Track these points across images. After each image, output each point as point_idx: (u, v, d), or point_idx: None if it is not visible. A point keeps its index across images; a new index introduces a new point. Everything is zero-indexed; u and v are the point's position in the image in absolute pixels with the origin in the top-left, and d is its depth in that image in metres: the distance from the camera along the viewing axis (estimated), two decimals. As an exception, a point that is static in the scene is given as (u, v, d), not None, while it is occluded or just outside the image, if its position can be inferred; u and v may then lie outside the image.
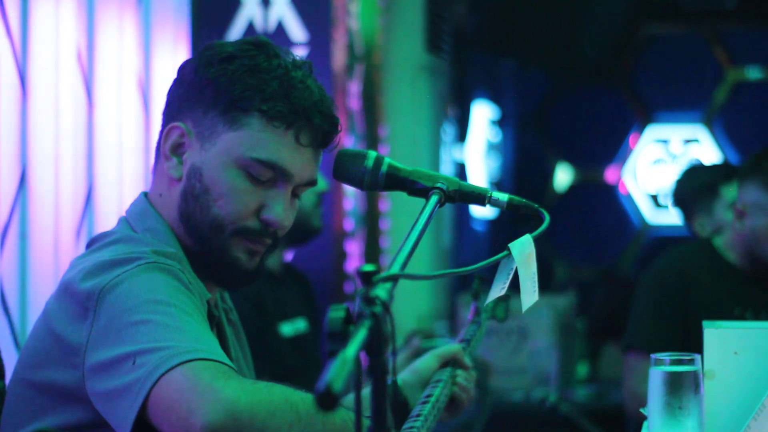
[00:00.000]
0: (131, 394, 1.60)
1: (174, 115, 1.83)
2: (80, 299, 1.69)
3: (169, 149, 1.83)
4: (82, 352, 1.67)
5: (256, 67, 1.78)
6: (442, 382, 1.93)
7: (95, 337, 1.66)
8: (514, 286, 1.76)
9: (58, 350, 1.71)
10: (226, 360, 1.64)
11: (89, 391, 1.67)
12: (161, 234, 1.82)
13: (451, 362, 2.01)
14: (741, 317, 3.12)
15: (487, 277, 2.22)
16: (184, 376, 1.57)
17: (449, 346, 2.03)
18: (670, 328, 3.16)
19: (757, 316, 3.14)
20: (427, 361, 2.00)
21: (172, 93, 1.86)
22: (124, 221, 1.87)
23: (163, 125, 1.86)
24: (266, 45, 1.82)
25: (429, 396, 1.86)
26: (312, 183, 1.84)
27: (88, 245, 1.86)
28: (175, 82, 1.86)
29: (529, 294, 1.75)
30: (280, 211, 1.80)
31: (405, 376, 1.96)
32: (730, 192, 3.90)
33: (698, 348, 1.86)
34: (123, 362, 1.62)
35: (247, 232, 1.80)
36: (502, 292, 1.74)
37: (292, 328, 3.23)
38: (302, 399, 1.60)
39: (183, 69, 1.85)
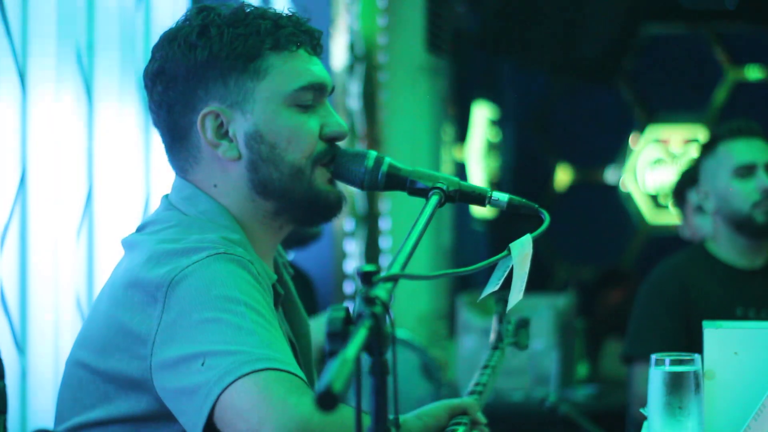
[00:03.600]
0: (200, 397, 1.58)
1: (192, 108, 1.80)
2: (148, 289, 1.67)
3: (214, 135, 1.80)
4: (150, 344, 1.65)
5: (228, 21, 1.80)
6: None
7: (164, 330, 1.64)
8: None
9: (123, 339, 1.69)
10: (299, 371, 1.61)
11: (157, 385, 1.66)
12: (217, 215, 1.80)
13: (460, 415, 1.85)
14: (744, 318, 3.12)
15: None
16: (257, 386, 1.55)
17: (461, 400, 1.88)
18: (674, 335, 3.14)
19: (759, 315, 3.14)
20: (435, 410, 1.85)
21: (166, 95, 1.82)
22: (171, 206, 1.83)
23: (173, 126, 1.83)
24: (206, 6, 1.84)
25: None
26: (333, 88, 1.89)
27: (139, 229, 1.84)
28: (164, 87, 1.81)
29: (516, 293, 1.76)
30: (338, 120, 1.84)
31: (409, 418, 1.83)
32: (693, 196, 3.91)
33: (699, 349, 1.86)
34: (192, 361, 1.60)
35: (322, 157, 1.81)
36: (496, 288, 1.74)
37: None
38: None
39: (161, 71, 1.82)
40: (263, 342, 1.60)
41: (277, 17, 1.82)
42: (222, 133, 1.80)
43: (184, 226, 1.78)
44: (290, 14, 1.84)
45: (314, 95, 1.82)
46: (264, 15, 1.81)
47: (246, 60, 1.78)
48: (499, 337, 2.23)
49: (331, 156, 1.82)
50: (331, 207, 1.84)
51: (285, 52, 1.80)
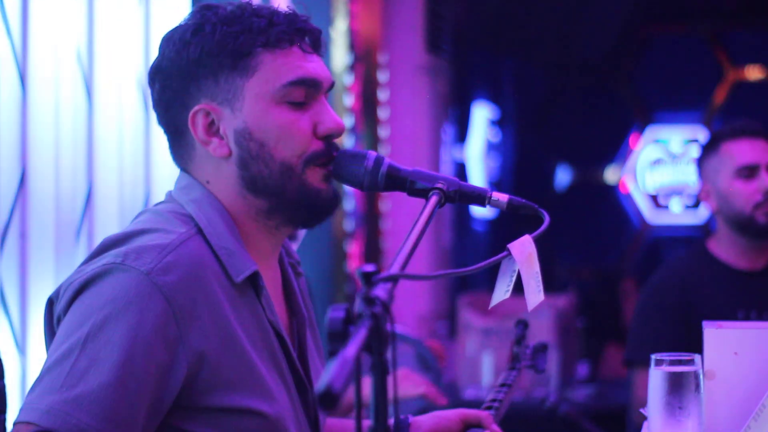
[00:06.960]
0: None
1: (185, 105, 1.81)
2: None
3: (204, 133, 1.80)
4: None
5: (223, 19, 1.78)
6: None
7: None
8: (518, 287, 1.76)
9: None
10: (73, 419, 1.59)
11: None
12: (205, 204, 1.79)
13: (475, 425, 1.92)
14: (745, 320, 3.11)
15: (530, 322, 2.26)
16: None
17: (477, 412, 1.93)
18: (675, 340, 3.14)
19: (760, 317, 3.14)
20: (448, 413, 1.92)
21: (163, 93, 1.83)
22: (170, 196, 1.85)
23: (171, 124, 1.84)
24: (207, 5, 1.83)
25: None
26: (333, 84, 1.87)
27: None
28: (161, 85, 1.83)
29: (534, 293, 1.75)
30: (333, 117, 1.81)
31: (423, 419, 1.90)
32: None
33: (699, 350, 1.86)
34: None
35: (317, 157, 1.79)
36: (507, 295, 1.74)
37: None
38: None
39: (158, 69, 1.83)
40: (53, 387, 1.61)
41: (273, 14, 1.80)
42: (213, 130, 1.79)
43: (144, 220, 1.79)
44: (288, 12, 1.82)
45: (306, 92, 1.80)
46: (259, 13, 1.80)
47: (236, 57, 1.77)
48: (516, 359, 2.25)
49: (328, 156, 1.80)
50: (324, 206, 1.81)
51: (278, 49, 1.78)
